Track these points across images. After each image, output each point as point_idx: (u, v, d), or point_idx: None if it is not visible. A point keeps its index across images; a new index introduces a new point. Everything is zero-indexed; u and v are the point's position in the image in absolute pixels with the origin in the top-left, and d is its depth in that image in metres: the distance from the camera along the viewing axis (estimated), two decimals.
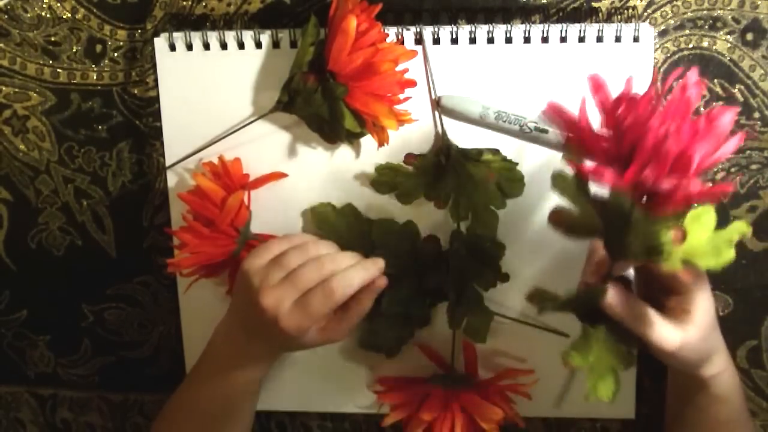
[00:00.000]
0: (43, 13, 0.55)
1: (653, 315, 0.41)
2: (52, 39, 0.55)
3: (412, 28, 0.51)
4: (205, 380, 0.50)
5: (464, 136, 0.52)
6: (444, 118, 0.52)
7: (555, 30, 0.50)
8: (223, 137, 0.53)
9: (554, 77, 0.51)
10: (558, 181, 0.40)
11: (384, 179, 0.52)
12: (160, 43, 0.53)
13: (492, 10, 0.52)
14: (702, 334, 0.43)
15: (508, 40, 0.50)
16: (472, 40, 0.51)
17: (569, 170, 0.39)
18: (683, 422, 0.50)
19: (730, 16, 0.51)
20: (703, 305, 0.43)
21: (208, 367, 0.50)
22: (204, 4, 0.53)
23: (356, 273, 0.45)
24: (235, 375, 0.49)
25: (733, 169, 0.52)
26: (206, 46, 0.52)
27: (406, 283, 0.52)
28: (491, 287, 0.53)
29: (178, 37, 0.52)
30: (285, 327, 0.44)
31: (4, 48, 0.55)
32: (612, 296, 0.41)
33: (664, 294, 0.43)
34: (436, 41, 0.51)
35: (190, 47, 0.52)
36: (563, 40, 0.50)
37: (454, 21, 0.52)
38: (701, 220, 0.39)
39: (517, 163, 0.51)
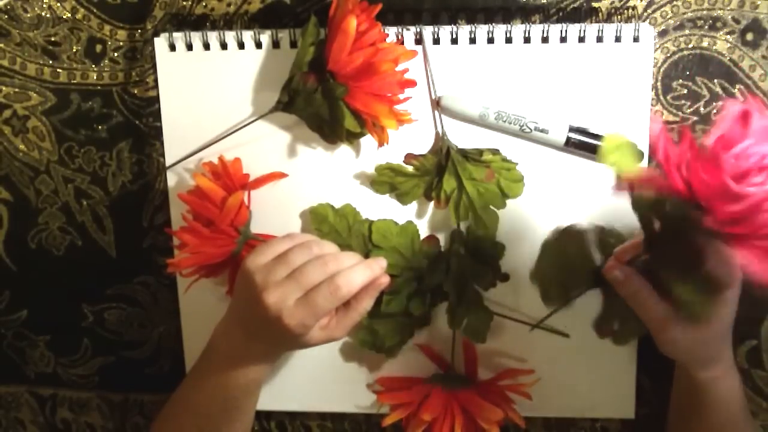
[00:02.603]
0: (43, 13, 0.55)
1: (655, 300, 0.42)
2: (52, 39, 0.55)
3: (412, 28, 0.51)
4: (205, 380, 0.50)
5: (464, 136, 0.52)
6: (444, 118, 0.52)
7: (555, 30, 0.50)
8: (223, 137, 0.53)
9: (554, 77, 0.51)
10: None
11: (384, 179, 0.52)
12: (160, 43, 0.53)
13: (492, 10, 0.52)
14: (708, 335, 0.43)
15: (508, 40, 0.50)
16: (472, 40, 0.51)
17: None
18: (683, 424, 0.50)
19: (730, 16, 0.51)
20: (720, 310, 0.43)
21: (207, 367, 0.50)
22: (204, 4, 0.53)
23: (360, 271, 0.45)
24: (235, 375, 0.49)
25: None
26: (206, 46, 0.52)
27: (406, 283, 0.52)
28: (491, 287, 0.53)
29: (178, 37, 0.52)
30: (288, 324, 0.44)
31: (4, 48, 0.55)
32: (618, 273, 0.43)
33: None
34: (436, 41, 0.51)
35: (190, 47, 0.52)
36: (563, 40, 0.50)
37: (454, 21, 0.52)
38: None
39: (517, 163, 0.51)
